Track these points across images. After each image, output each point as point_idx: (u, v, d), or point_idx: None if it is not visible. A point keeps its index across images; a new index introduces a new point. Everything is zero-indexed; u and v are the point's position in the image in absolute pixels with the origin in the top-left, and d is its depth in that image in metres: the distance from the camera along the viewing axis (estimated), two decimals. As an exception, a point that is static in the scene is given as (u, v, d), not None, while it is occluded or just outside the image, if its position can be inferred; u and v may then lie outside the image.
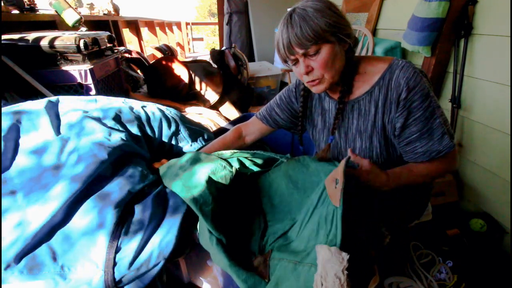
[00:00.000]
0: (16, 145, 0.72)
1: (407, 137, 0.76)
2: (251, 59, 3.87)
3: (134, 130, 0.93)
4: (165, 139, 1.02)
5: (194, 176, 0.76)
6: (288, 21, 0.70)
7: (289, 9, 0.73)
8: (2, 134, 0.72)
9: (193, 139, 1.07)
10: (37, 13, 1.84)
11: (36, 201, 0.64)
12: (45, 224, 0.62)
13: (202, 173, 0.78)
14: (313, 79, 0.75)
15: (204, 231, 0.70)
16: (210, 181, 0.76)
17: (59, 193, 0.65)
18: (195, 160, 0.83)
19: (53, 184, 0.67)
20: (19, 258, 0.59)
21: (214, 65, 2.59)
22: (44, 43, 1.27)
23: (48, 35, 1.32)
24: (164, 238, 0.68)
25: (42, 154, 0.72)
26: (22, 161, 0.70)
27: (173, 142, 1.04)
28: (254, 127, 1.06)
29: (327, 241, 0.58)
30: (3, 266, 0.58)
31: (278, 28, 0.73)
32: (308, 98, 0.93)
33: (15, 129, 0.75)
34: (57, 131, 0.79)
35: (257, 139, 1.07)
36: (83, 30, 1.87)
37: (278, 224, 0.77)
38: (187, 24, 7.12)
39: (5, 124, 0.75)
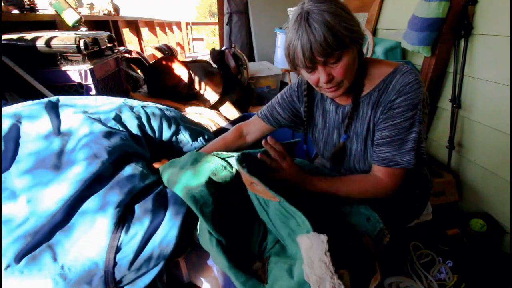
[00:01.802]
0: (17, 146, 0.72)
1: (378, 138, 0.76)
2: (251, 59, 3.87)
3: (134, 130, 0.93)
4: (165, 138, 1.02)
5: (194, 177, 0.76)
6: (305, 27, 0.64)
7: (296, 9, 0.68)
8: (2, 134, 0.72)
9: (194, 138, 1.07)
10: (37, 13, 1.84)
11: (37, 200, 0.64)
12: (44, 223, 0.62)
13: (202, 173, 0.77)
14: (332, 86, 0.73)
15: (204, 232, 0.70)
16: (210, 182, 0.76)
17: (59, 193, 0.65)
18: (196, 160, 0.83)
19: (53, 183, 0.67)
20: (19, 258, 0.59)
21: (214, 65, 2.59)
22: (44, 43, 1.27)
23: (48, 35, 1.32)
24: (164, 238, 0.68)
25: (43, 153, 0.72)
26: (23, 160, 0.70)
27: (174, 142, 1.04)
28: (255, 126, 1.05)
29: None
30: (3, 266, 0.58)
31: (290, 32, 0.69)
32: (312, 97, 0.93)
33: (16, 129, 0.75)
34: (58, 131, 0.79)
35: (258, 139, 1.06)
36: (83, 30, 1.87)
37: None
38: (187, 24, 7.12)
39: (6, 124, 0.75)
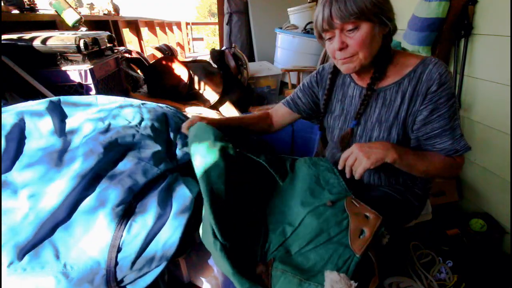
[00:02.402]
0: (19, 146, 0.72)
1: (428, 132, 0.77)
2: (251, 59, 3.87)
3: (137, 124, 0.92)
4: (170, 132, 0.99)
5: (214, 161, 0.72)
6: None
7: None
8: (5, 133, 0.72)
9: None
10: (37, 13, 1.84)
11: (38, 198, 0.64)
12: (46, 220, 0.62)
13: (221, 160, 0.73)
14: (345, 56, 0.74)
15: (208, 234, 0.67)
16: (227, 170, 0.72)
17: (59, 190, 0.65)
18: (219, 137, 0.79)
19: (54, 181, 0.67)
20: (22, 255, 0.59)
21: (214, 65, 2.59)
22: (44, 43, 1.27)
23: (48, 35, 1.32)
24: (168, 239, 0.67)
25: (45, 153, 0.72)
26: (25, 160, 0.70)
27: (177, 136, 1.01)
28: (279, 111, 1.07)
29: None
30: (6, 263, 0.58)
31: (319, 3, 0.73)
32: (335, 79, 0.93)
33: (18, 129, 0.75)
34: (59, 132, 0.79)
35: (281, 124, 1.08)
36: (83, 30, 1.87)
37: (278, 230, 0.75)
38: (187, 24, 7.12)
39: (8, 123, 0.75)
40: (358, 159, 0.71)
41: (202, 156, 0.73)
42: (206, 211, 0.67)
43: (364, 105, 0.83)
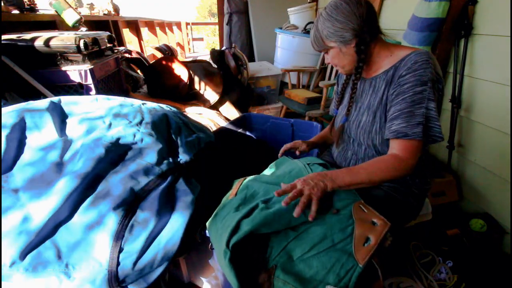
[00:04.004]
0: (20, 145, 0.72)
1: (390, 114, 0.81)
2: (251, 59, 3.87)
3: (137, 123, 0.92)
4: (172, 129, 0.99)
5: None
6: (314, 23, 0.87)
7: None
8: (6, 133, 0.72)
9: (196, 131, 1.04)
10: (37, 13, 1.84)
11: (39, 198, 0.64)
12: (48, 220, 0.62)
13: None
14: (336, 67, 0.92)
15: (221, 242, 0.65)
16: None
17: (60, 190, 0.65)
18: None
19: (55, 181, 0.66)
20: (24, 255, 0.59)
21: (214, 65, 2.59)
22: (44, 43, 1.27)
23: (48, 35, 1.32)
24: (170, 240, 0.67)
25: (46, 153, 0.72)
26: (25, 160, 0.70)
27: (178, 134, 1.00)
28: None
29: (337, 284, 0.59)
30: (8, 263, 0.58)
31: None
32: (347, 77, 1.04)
33: (19, 129, 0.75)
34: (60, 132, 0.78)
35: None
36: (83, 30, 1.87)
37: (280, 233, 0.71)
38: (187, 24, 7.11)
39: (9, 123, 0.74)
40: (305, 196, 0.70)
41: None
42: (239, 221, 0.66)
43: (352, 101, 0.93)
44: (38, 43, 1.27)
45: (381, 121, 0.85)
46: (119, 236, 0.64)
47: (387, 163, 0.78)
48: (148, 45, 4.26)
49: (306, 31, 2.89)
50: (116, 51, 1.79)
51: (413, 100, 0.76)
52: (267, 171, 1.01)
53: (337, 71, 2.65)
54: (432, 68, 0.76)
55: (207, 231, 0.80)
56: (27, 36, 1.30)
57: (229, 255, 0.61)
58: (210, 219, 0.78)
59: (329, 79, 2.66)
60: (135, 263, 0.64)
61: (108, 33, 1.71)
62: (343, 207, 0.72)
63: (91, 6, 2.85)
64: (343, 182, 0.75)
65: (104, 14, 3.04)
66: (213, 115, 2.07)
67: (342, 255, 0.63)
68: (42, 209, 0.63)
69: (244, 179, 0.90)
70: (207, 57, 2.90)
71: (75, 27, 1.84)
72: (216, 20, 4.81)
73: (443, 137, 0.78)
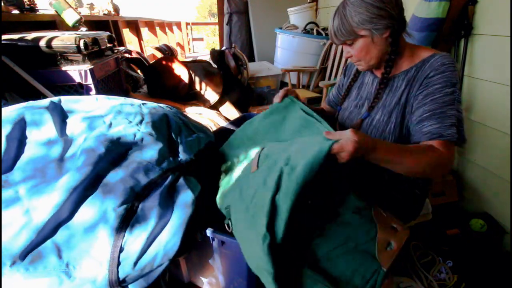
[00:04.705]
0: (20, 146, 0.72)
1: (420, 115, 0.76)
2: (251, 59, 3.87)
3: (137, 123, 0.92)
4: (172, 128, 0.99)
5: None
6: (337, 11, 0.80)
7: None
8: (6, 133, 0.72)
9: (196, 131, 1.04)
10: (37, 13, 1.84)
11: (40, 197, 0.64)
12: (49, 220, 0.62)
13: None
14: (354, 61, 0.88)
15: (255, 222, 0.58)
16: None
17: (60, 190, 0.65)
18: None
19: (55, 180, 0.67)
20: (24, 254, 0.59)
21: (214, 65, 2.59)
22: (44, 43, 1.27)
23: (48, 35, 1.32)
24: (170, 239, 0.67)
25: (46, 153, 0.72)
26: (25, 160, 0.70)
27: (179, 133, 1.00)
28: (327, 108, 1.19)
29: (364, 286, 0.59)
30: (9, 263, 0.58)
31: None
32: (357, 73, 1.02)
33: (19, 129, 0.75)
34: (60, 132, 0.78)
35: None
36: (83, 30, 1.87)
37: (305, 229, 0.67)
38: (187, 24, 7.11)
39: (9, 124, 0.74)
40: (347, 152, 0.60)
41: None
42: (283, 199, 0.57)
43: (377, 98, 0.88)
44: (38, 43, 1.27)
45: (397, 121, 0.83)
46: (119, 236, 0.64)
47: (434, 155, 0.69)
48: (148, 45, 4.26)
49: (306, 31, 2.89)
50: (116, 51, 1.79)
51: (444, 101, 0.74)
52: (272, 120, 0.89)
53: (337, 71, 2.64)
54: (457, 71, 0.76)
55: (221, 207, 0.76)
56: (27, 36, 1.30)
57: (269, 240, 0.55)
58: (231, 195, 0.72)
59: (329, 79, 2.66)
60: (135, 263, 0.64)
61: (108, 33, 1.71)
62: (363, 207, 0.70)
63: (91, 6, 2.85)
64: (383, 154, 0.63)
65: (104, 14, 3.04)
66: (213, 115, 2.07)
67: (367, 257, 0.62)
68: (42, 209, 0.63)
69: (262, 149, 0.80)
70: (207, 57, 2.90)
71: (75, 27, 1.84)
72: (216, 20, 4.81)
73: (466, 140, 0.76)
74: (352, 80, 1.01)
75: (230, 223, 0.72)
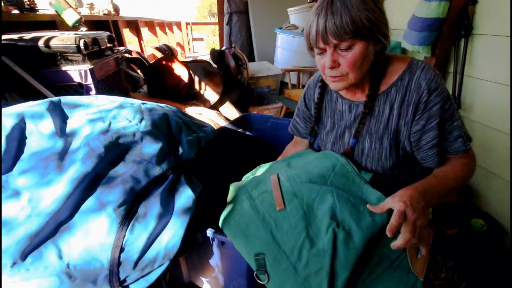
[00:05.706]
0: (19, 146, 0.72)
1: (429, 141, 0.75)
2: (251, 59, 3.87)
3: (138, 123, 0.92)
4: (173, 128, 0.99)
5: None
6: (328, 5, 0.64)
7: None
8: (5, 134, 0.72)
9: (196, 130, 1.04)
10: (37, 13, 1.84)
11: (40, 197, 0.64)
12: (48, 221, 0.62)
13: None
14: (335, 75, 0.71)
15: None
16: None
17: (61, 190, 0.65)
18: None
19: (55, 180, 0.66)
20: (25, 255, 0.59)
21: (214, 65, 2.59)
22: (44, 43, 1.27)
23: (48, 35, 1.32)
24: (171, 239, 0.67)
25: (46, 153, 0.72)
26: (25, 159, 0.70)
27: (179, 133, 1.00)
28: (297, 140, 1.12)
29: None
30: (10, 263, 0.58)
31: (313, 11, 0.67)
32: (323, 94, 0.91)
33: (19, 129, 0.75)
34: (60, 132, 0.78)
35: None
36: (83, 30, 1.87)
37: None
38: (187, 24, 7.12)
39: (9, 124, 0.74)
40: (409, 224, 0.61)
41: None
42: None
43: (362, 123, 0.81)
44: (38, 43, 1.27)
45: (391, 148, 0.80)
46: (120, 236, 0.64)
47: (464, 171, 0.77)
48: (148, 45, 4.26)
49: (306, 31, 2.88)
50: (116, 51, 1.79)
51: (448, 118, 0.74)
52: (290, 163, 0.89)
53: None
54: (441, 77, 0.74)
55: (225, 231, 0.74)
56: (27, 36, 1.30)
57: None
58: (256, 233, 0.68)
59: (329, 79, 2.66)
60: (136, 263, 0.64)
61: (108, 33, 1.71)
62: (385, 219, 0.66)
63: (91, 6, 2.85)
64: (436, 194, 0.69)
65: (104, 14, 3.04)
66: (213, 115, 2.07)
67: (403, 273, 0.61)
68: (42, 210, 0.63)
69: (277, 179, 0.77)
70: (207, 57, 2.90)
71: (75, 27, 1.84)
72: (216, 20, 4.81)
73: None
74: (318, 110, 0.92)
75: (266, 276, 0.65)
